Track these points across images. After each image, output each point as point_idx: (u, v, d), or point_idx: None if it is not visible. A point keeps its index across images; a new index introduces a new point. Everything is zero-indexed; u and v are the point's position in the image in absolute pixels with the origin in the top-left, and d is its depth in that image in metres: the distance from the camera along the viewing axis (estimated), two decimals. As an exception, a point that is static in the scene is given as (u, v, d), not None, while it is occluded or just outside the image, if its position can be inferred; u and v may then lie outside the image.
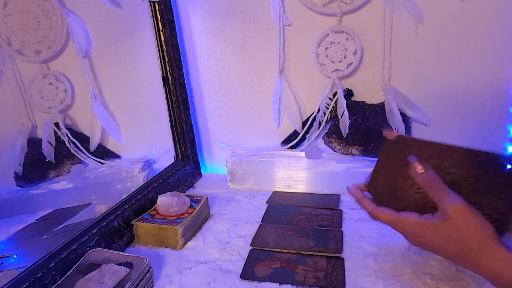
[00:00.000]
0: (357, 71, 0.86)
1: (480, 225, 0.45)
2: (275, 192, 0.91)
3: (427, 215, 0.49)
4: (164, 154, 0.96)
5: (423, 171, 0.49)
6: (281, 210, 0.82)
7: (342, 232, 0.71)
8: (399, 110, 0.83)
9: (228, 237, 0.72)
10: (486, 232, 0.45)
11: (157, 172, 0.90)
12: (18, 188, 0.69)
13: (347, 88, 0.88)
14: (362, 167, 0.85)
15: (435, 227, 0.47)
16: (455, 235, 0.46)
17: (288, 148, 0.95)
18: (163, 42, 0.90)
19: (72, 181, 0.77)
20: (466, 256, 0.46)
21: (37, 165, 0.73)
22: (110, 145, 0.86)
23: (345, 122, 0.85)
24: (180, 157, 0.99)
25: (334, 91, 0.87)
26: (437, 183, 0.48)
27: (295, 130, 0.94)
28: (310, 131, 0.91)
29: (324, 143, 0.92)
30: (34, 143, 0.72)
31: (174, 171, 0.93)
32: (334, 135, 0.89)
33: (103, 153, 0.85)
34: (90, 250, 0.60)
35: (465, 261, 0.47)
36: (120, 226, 0.70)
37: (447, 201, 0.47)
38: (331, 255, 0.64)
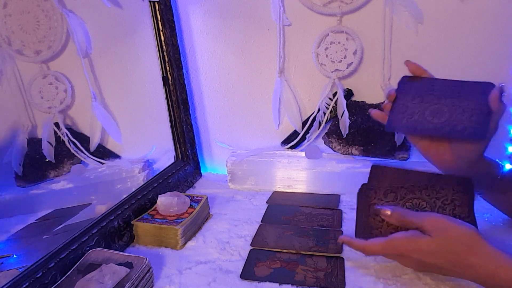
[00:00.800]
0: (357, 71, 0.86)
1: (462, 228, 0.47)
2: (275, 192, 0.91)
3: (412, 230, 0.51)
4: (164, 154, 0.96)
5: (390, 213, 0.54)
6: (281, 210, 0.82)
7: (342, 232, 0.71)
8: (399, 110, 0.83)
9: (228, 237, 0.72)
10: (470, 233, 0.47)
11: (157, 172, 0.90)
12: (18, 188, 0.69)
13: (347, 88, 0.88)
14: (362, 167, 0.85)
15: (424, 241, 0.49)
16: (443, 246, 0.47)
17: (288, 148, 0.95)
18: (163, 42, 0.90)
19: (72, 181, 0.77)
20: (458, 261, 0.47)
21: (37, 165, 0.73)
22: (110, 145, 0.86)
23: (345, 122, 0.85)
24: (180, 157, 0.99)
25: (334, 91, 0.87)
26: (406, 214, 0.52)
27: (295, 130, 0.94)
28: (310, 131, 0.91)
29: (324, 143, 0.92)
30: (34, 143, 0.72)
31: (174, 171, 0.93)
32: (334, 135, 0.89)
33: (103, 153, 0.85)
34: (90, 250, 0.60)
35: (458, 267, 0.48)
36: (120, 226, 0.70)
37: (422, 220, 0.50)
38: (331, 255, 0.64)
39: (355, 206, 0.80)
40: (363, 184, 0.60)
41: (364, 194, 0.59)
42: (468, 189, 0.54)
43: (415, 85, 0.60)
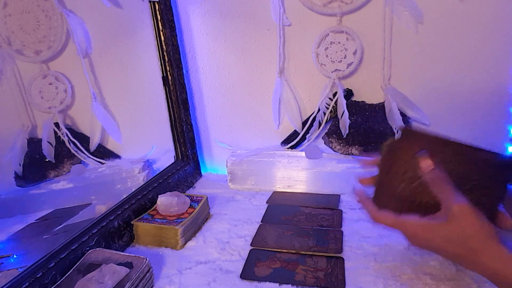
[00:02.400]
0: (357, 71, 0.86)
1: (483, 225, 0.45)
2: (275, 192, 0.91)
3: (428, 216, 0.49)
4: (164, 154, 0.96)
5: (432, 167, 0.48)
6: (281, 210, 0.82)
7: (342, 232, 0.71)
8: (399, 110, 0.83)
9: (228, 237, 0.72)
10: (489, 233, 0.45)
11: (157, 172, 0.90)
12: (18, 188, 0.69)
13: (347, 88, 0.88)
14: (361, 165, 0.85)
15: (437, 228, 0.47)
16: (459, 235, 0.46)
17: (288, 148, 0.95)
18: (163, 42, 0.90)
19: (72, 181, 0.77)
20: (469, 256, 0.46)
21: (37, 165, 0.73)
22: (110, 145, 0.87)
23: (345, 122, 0.85)
24: (180, 157, 0.99)
25: (334, 91, 0.87)
26: (444, 182, 0.48)
27: (295, 130, 0.94)
28: (310, 131, 0.91)
29: (324, 143, 0.92)
30: (34, 143, 0.72)
31: (174, 171, 0.93)
32: (334, 135, 0.89)
33: (103, 153, 0.85)
34: (90, 250, 0.60)
35: (468, 261, 0.47)
36: (120, 226, 0.70)
37: (453, 200, 0.46)
38: (331, 255, 0.64)
39: (355, 206, 0.81)
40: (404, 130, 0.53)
41: (397, 144, 0.52)
42: (503, 185, 0.49)
43: None
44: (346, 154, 0.89)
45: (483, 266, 0.45)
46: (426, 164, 0.49)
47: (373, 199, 0.55)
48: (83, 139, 0.80)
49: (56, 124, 0.76)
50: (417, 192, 0.50)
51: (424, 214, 0.49)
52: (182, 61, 0.95)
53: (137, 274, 0.55)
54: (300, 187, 0.91)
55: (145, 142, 0.94)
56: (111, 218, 0.69)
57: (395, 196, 0.52)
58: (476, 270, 0.47)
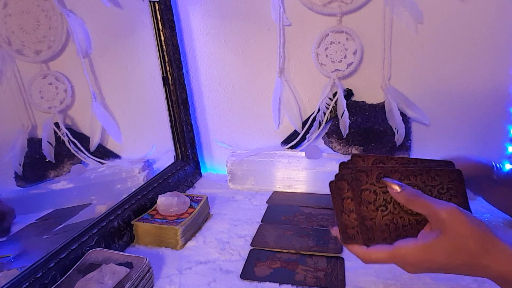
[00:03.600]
0: (357, 71, 0.86)
1: (476, 224, 0.44)
2: (275, 192, 0.91)
3: (422, 235, 0.46)
4: (164, 154, 0.96)
5: (399, 189, 0.47)
6: (281, 210, 0.82)
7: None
8: (399, 110, 0.83)
9: (228, 237, 0.72)
10: (483, 229, 0.44)
11: (157, 172, 0.90)
12: (18, 188, 0.69)
13: (347, 88, 0.88)
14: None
15: (435, 246, 0.44)
16: (458, 242, 0.44)
17: (288, 148, 0.95)
18: (163, 42, 0.90)
19: (72, 181, 0.77)
20: (471, 262, 0.44)
21: (37, 165, 0.73)
22: (110, 145, 0.86)
23: (345, 122, 0.85)
24: (180, 157, 0.99)
25: (334, 91, 0.87)
26: (419, 196, 0.46)
27: (295, 130, 0.94)
28: (310, 131, 0.91)
29: (324, 143, 0.92)
30: (34, 143, 0.72)
31: (174, 171, 0.93)
32: (334, 135, 0.89)
33: (103, 153, 0.85)
34: (90, 250, 0.60)
35: (471, 267, 0.45)
36: (120, 226, 0.70)
37: (438, 207, 0.44)
38: (331, 255, 0.64)
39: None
40: (354, 168, 0.52)
41: (355, 177, 0.50)
42: (461, 178, 0.50)
43: None
44: (346, 154, 0.89)
45: (486, 267, 0.44)
46: (393, 187, 0.47)
47: (357, 240, 0.50)
48: (83, 139, 0.80)
49: (56, 124, 0.76)
50: (396, 214, 0.49)
51: (415, 233, 0.48)
52: (182, 61, 0.95)
53: (137, 274, 0.55)
54: (300, 187, 0.91)
55: (145, 142, 0.94)
56: (111, 218, 0.69)
57: (377, 227, 0.49)
58: (486, 275, 0.45)
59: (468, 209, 0.50)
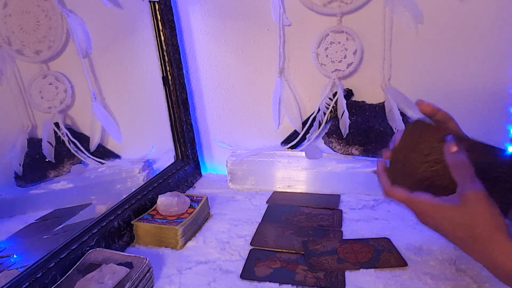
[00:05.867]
0: (357, 71, 0.86)
1: (495, 215, 0.45)
2: (275, 192, 0.91)
3: (441, 197, 0.48)
4: (164, 154, 0.96)
5: (455, 150, 0.49)
6: (281, 210, 0.82)
7: (342, 232, 0.71)
8: (399, 110, 0.83)
9: (228, 237, 0.72)
10: (499, 223, 0.45)
11: (157, 172, 0.90)
12: (18, 188, 0.69)
13: (347, 88, 0.88)
14: (362, 167, 0.85)
15: (448, 210, 0.47)
16: (468, 221, 0.45)
17: (288, 148, 0.95)
18: (163, 42, 0.90)
19: (72, 181, 0.77)
20: (474, 242, 0.46)
21: (37, 165, 0.73)
22: (110, 145, 0.87)
23: (345, 122, 0.85)
24: (180, 157, 0.99)
25: (334, 91, 0.87)
26: (465, 167, 0.48)
27: (295, 130, 0.94)
28: (310, 131, 0.91)
29: (324, 143, 0.92)
30: (34, 143, 0.72)
31: (174, 171, 0.93)
32: (334, 135, 0.89)
33: (103, 153, 0.85)
34: (90, 250, 0.60)
35: (471, 247, 0.46)
36: (120, 226, 0.70)
37: (471, 186, 0.46)
38: (331, 255, 0.64)
39: (355, 206, 0.81)
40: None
41: (424, 125, 0.53)
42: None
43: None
44: (346, 154, 0.89)
45: (486, 254, 0.45)
46: (451, 147, 0.49)
47: (389, 174, 0.54)
48: (83, 139, 0.80)
49: (56, 124, 0.76)
50: (439, 175, 0.50)
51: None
52: (182, 61, 0.95)
53: (137, 274, 0.55)
54: (300, 187, 0.91)
55: (145, 142, 0.94)
56: (111, 218, 0.69)
57: (414, 175, 0.52)
58: (479, 259, 0.46)
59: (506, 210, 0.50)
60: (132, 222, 0.72)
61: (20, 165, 0.69)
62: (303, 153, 0.91)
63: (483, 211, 0.45)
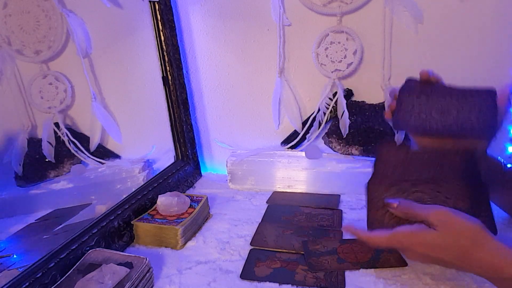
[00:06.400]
0: (357, 71, 0.86)
1: (466, 222, 0.47)
2: (275, 192, 0.91)
3: (419, 224, 0.50)
4: (164, 154, 0.96)
5: (396, 205, 0.54)
6: (281, 210, 0.82)
7: (342, 232, 0.71)
8: (399, 110, 0.83)
9: (228, 237, 0.72)
10: (474, 227, 0.47)
11: (157, 172, 0.90)
12: (18, 188, 0.69)
13: (347, 88, 0.88)
14: (362, 167, 0.85)
15: (428, 233, 0.48)
16: (449, 239, 0.47)
17: (288, 148, 0.95)
18: (163, 42, 0.90)
19: (72, 181, 0.77)
20: (464, 256, 0.47)
21: (37, 165, 0.73)
22: (110, 145, 0.87)
23: (345, 122, 0.85)
24: (180, 157, 0.99)
25: (334, 91, 0.87)
26: (412, 207, 0.52)
27: (295, 130, 0.94)
28: (310, 131, 0.91)
29: (324, 143, 0.92)
30: (34, 143, 0.72)
31: (174, 171, 0.93)
32: (334, 135, 0.89)
33: (103, 153, 0.85)
34: (90, 250, 0.60)
35: (464, 262, 0.47)
36: (120, 226, 0.70)
37: (427, 213, 0.50)
38: (331, 255, 0.64)
39: (355, 206, 0.81)
40: (371, 178, 0.59)
41: (369, 189, 0.58)
42: (472, 184, 0.54)
43: (419, 86, 0.60)
44: (346, 154, 0.89)
45: (479, 261, 0.46)
46: (391, 205, 0.54)
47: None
48: (83, 139, 0.80)
49: (56, 124, 0.76)
50: (403, 219, 0.54)
51: None
52: (182, 61, 0.95)
53: (137, 274, 0.55)
54: (300, 187, 0.91)
55: (145, 142, 0.94)
56: (111, 218, 0.69)
57: (386, 227, 0.55)
58: (475, 270, 0.47)
59: (480, 211, 0.53)
60: (132, 222, 0.72)
61: (20, 165, 0.69)
62: (303, 153, 0.91)
63: (453, 223, 0.47)
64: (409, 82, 0.62)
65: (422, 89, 0.60)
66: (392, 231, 0.51)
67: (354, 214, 0.78)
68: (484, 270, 0.46)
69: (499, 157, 0.63)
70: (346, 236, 0.70)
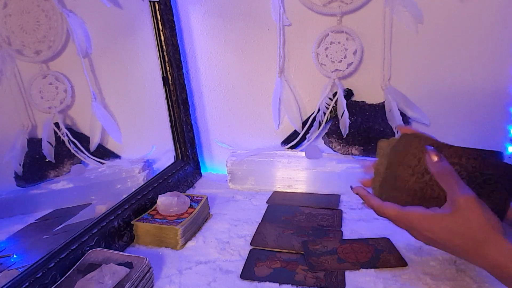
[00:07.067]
0: (357, 71, 0.86)
1: (488, 218, 0.45)
2: (275, 192, 0.91)
3: (433, 208, 0.48)
4: (164, 154, 0.96)
5: (437, 160, 0.49)
6: (281, 210, 0.82)
7: (342, 232, 0.71)
8: (399, 110, 0.83)
9: (228, 237, 0.72)
10: (494, 225, 0.45)
11: (157, 172, 0.90)
12: (18, 188, 0.69)
13: (347, 88, 0.88)
14: (362, 167, 0.85)
15: (442, 219, 0.47)
16: (463, 226, 0.46)
17: (288, 148, 0.95)
18: (163, 42, 0.90)
19: (72, 181, 0.77)
20: (472, 248, 0.46)
21: (37, 165, 0.73)
22: (110, 145, 0.87)
23: (345, 122, 0.85)
24: (180, 157, 0.99)
25: (334, 91, 0.87)
26: (450, 174, 0.48)
27: (295, 130, 0.94)
28: (310, 131, 0.91)
29: (324, 143, 0.92)
30: (34, 143, 0.72)
31: (174, 171, 0.93)
32: (334, 135, 0.89)
33: (103, 153, 0.85)
34: (90, 250, 0.60)
35: (470, 253, 0.46)
36: (120, 226, 0.70)
37: (460, 192, 0.46)
38: (331, 255, 0.64)
39: (355, 206, 0.81)
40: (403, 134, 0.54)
41: (406, 139, 0.53)
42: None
43: None
44: (346, 154, 0.89)
45: (487, 258, 0.45)
46: (433, 156, 0.49)
47: (378, 195, 0.55)
48: (83, 139, 0.80)
49: (56, 124, 0.76)
50: (429, 185, 0.50)
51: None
52: (182, 61, 0.95)
53: (137, 274, 0.55)
54: (300, 187, 0.91)
55: (145, 142, 0.94)
56: (111, 218, 0.69)
57: (405, 189, 0.52)
58: (479, 263, 0.47)
59: (503, 210, 0.50)
60: (132, 222, 0.72)
61: (20, 165, 0.69)
62: (303, 153, 0.91)
63: (476, 214, 0.45)
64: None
65: None
66: (404, 209, 0.49)
67: (354, 214, 0.78)
68: (486, 265, 0.46)
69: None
70: (346, 236, 0.70)
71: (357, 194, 0.56)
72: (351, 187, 0.59)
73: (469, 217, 0.45)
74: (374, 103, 0.86)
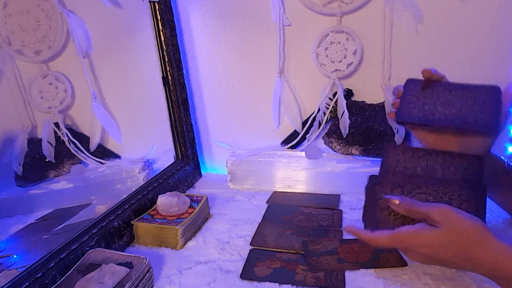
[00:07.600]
0: (357, 71, 0.86)
1: (469, 221, 0.47)
2: (275, 192, 0.91)
3: (421, 224, 0.50)
4: (164, 154, 0.96)
5: (398, 202, 0.53)
6: (281, 210, 0.82)
7: (342, 232, 0.71)
8: (399, 110, 0.83)
9: (228, 237, 0.72)
10: (477, 226, 0.47)
11: (157, 172, 0.90)
12: (18, 188, 0.69)
13: (347, 88, 0.88)
14: (362, 167, 0.85)
15: (430, 235, 0.48)
16: (450, 237, 0.47)
17: (288, 148, 0.95)
18: (163, 42, 0.90)
19: (72, 181, 0.77)
20: (465, 255, 0.47)
21: (37, 165, 0.73)
22: (110, 145, 0.87)
23: (345, 122, 0.85)
24: (180, 157, 0.99)
25: (334, 91, 0.87)
26: (414, 204, 0.52)
27: (295, 130, 0.94)
28: (310, 131, 0.91)
29: (324, 143, 0.92)
30: (34, 143, 0.72)
31: (174, 171, 0.93)
32: (334, 135, 0.89)
33: (103, 153, 0.85)
34: (90, 250, 0.60)
35: (466, 261, 0.47)
36: (120, 226, 0.70)
37: (430, 210, 0.49)
38: (331, 255, 0.64)
39: (355, 206, 0.81)
40: (370, 177, 0.59)
41: (371, 188, 0.58)
42: (476, 186, 0.54)
43: (423, 83, 0.61)
44: (346, 154, 0.89)
45: (480, 260, 0.46)
46: (392, 202, 0.53)
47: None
48: (83, 139, 0.80)
49: (56, 124, 0.76)
50: (408, 218, 0.53)
51: None
52: (182, 61, 0.95)
53: (137, 274, 0.55)
54: (300, 187, 0.91)
55: (145, 142, 0.94)
56: (111, 218, 0.69)
57: (390, 228, 0.54)
58: (477, 269, 0.47)
59: (482, 212, 0.53)
60: (132, 222, 0.72)
61: (20, 165, 0.69)
62: (303, 153, 0.91)
63: (456, 222, 0.47)
64: (412, 80, 0.62)
65: (426, 85, 0.60)
66: (394, 232, 0.51)
67: (354, 214, 0.78)
68: (485, 268, 0.46)
69: (502, 157, 0.63)
70: (346, 236, 0.70)
71: (349, 232, 0.57)
72: (341, 227, 0.63)
73: (451, 227, 0.47)
74: (374, 103, 0.86)
